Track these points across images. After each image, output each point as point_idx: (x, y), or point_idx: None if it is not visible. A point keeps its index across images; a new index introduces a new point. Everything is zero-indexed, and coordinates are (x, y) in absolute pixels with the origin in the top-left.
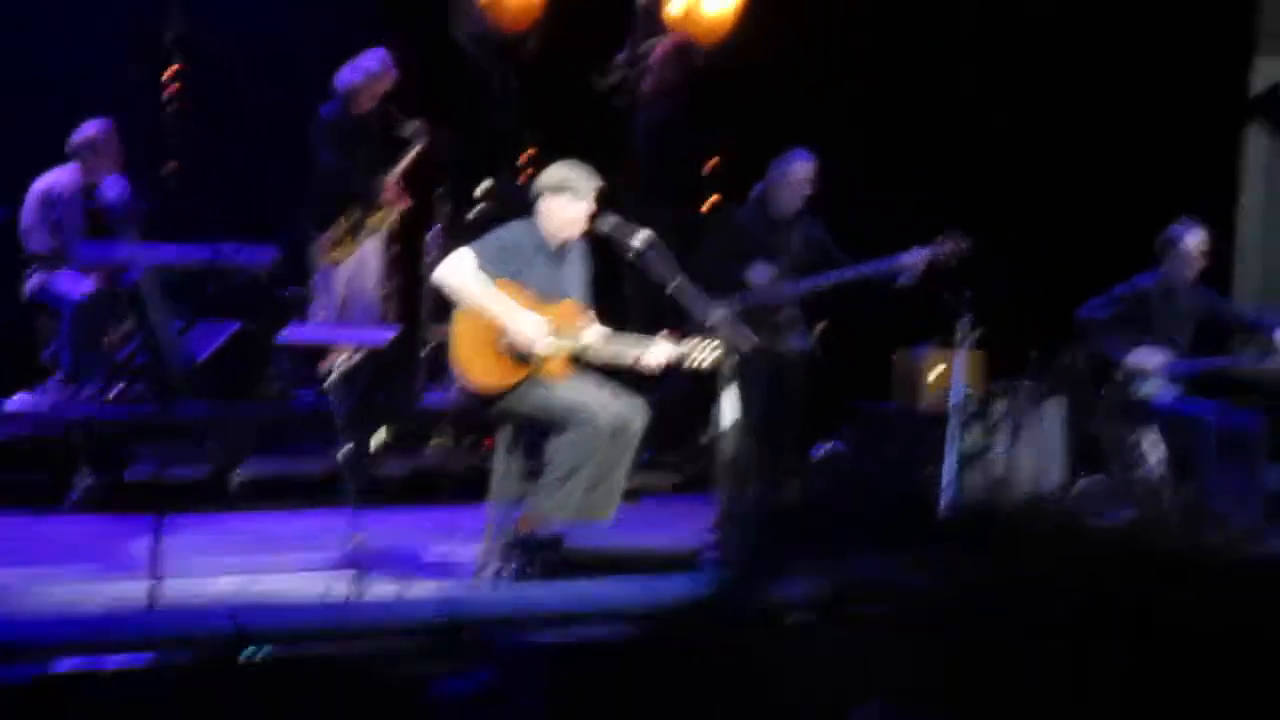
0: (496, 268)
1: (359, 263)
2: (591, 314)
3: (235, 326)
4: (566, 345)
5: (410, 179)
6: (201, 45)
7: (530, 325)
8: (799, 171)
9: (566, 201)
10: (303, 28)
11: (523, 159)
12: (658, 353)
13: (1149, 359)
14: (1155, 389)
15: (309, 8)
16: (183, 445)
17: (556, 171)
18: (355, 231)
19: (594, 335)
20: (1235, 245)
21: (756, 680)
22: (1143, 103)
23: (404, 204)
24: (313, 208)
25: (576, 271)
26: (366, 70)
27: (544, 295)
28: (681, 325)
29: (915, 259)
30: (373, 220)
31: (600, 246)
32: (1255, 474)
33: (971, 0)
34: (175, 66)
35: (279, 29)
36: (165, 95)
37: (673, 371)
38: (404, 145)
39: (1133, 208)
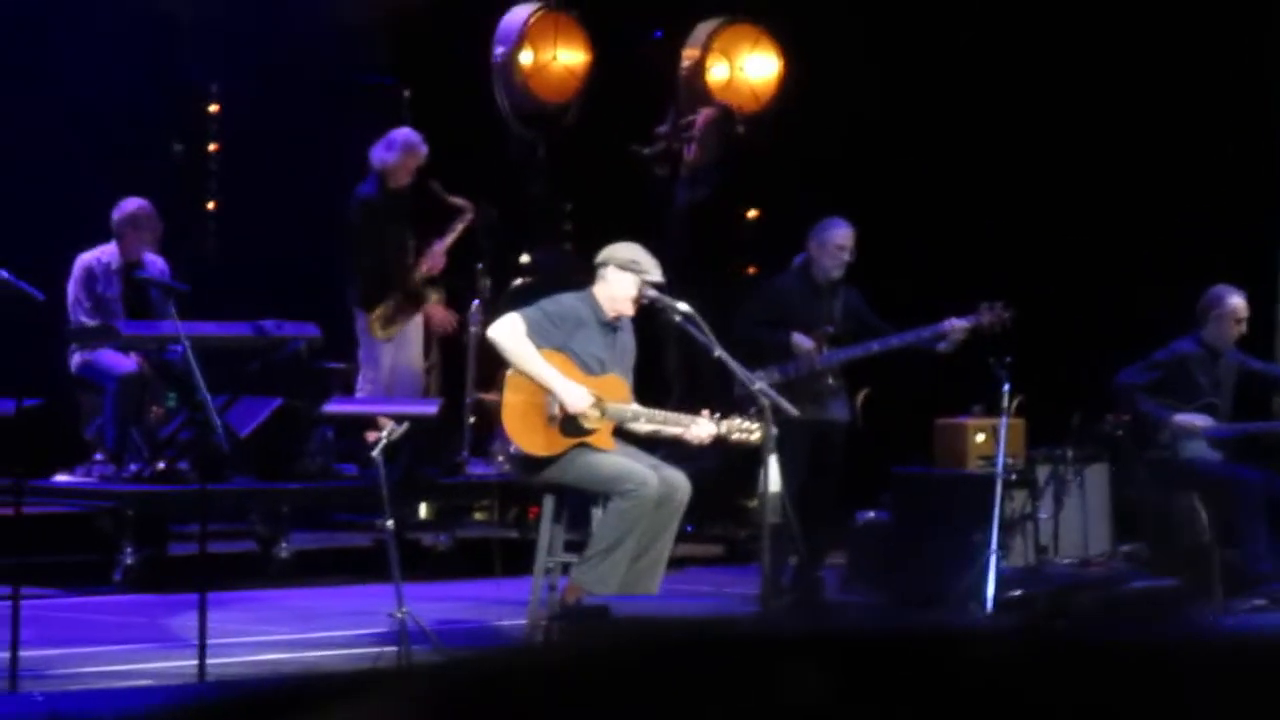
0: (545, 336)
1: (403, 336)
2: (633, 389)
3: (278, 402)
4: (613, 416)
5: (453, 253)
6: (241, 124)
7: (579, 394)
8: (837, 238)
9: (632, 280)
10: (338, 107)
11: (563, 231)
12: (701, 429)
13: (1192, 422)
14: (1199, 453)
15: (345, 88)
16: (227, 521)
17: (627, 249)
18: (404, 307)
19: (639, 409)
20: (1277, 307)
21: None
22: (1183, 166)
23: (439, 271)
24: (356, 285)
25: (625, 346)
26: (399, 147)
27: (590, 366)
28: (724, 395)
29: (957, 327)
30: (423, 295)
31: (640, 318)
32: None
33: (1013, 71)
34: (215, 146)
35: (316, 108)
36: (205, 173)
37: (714, 444)
38: (450, 219)
39: (1173, 272)
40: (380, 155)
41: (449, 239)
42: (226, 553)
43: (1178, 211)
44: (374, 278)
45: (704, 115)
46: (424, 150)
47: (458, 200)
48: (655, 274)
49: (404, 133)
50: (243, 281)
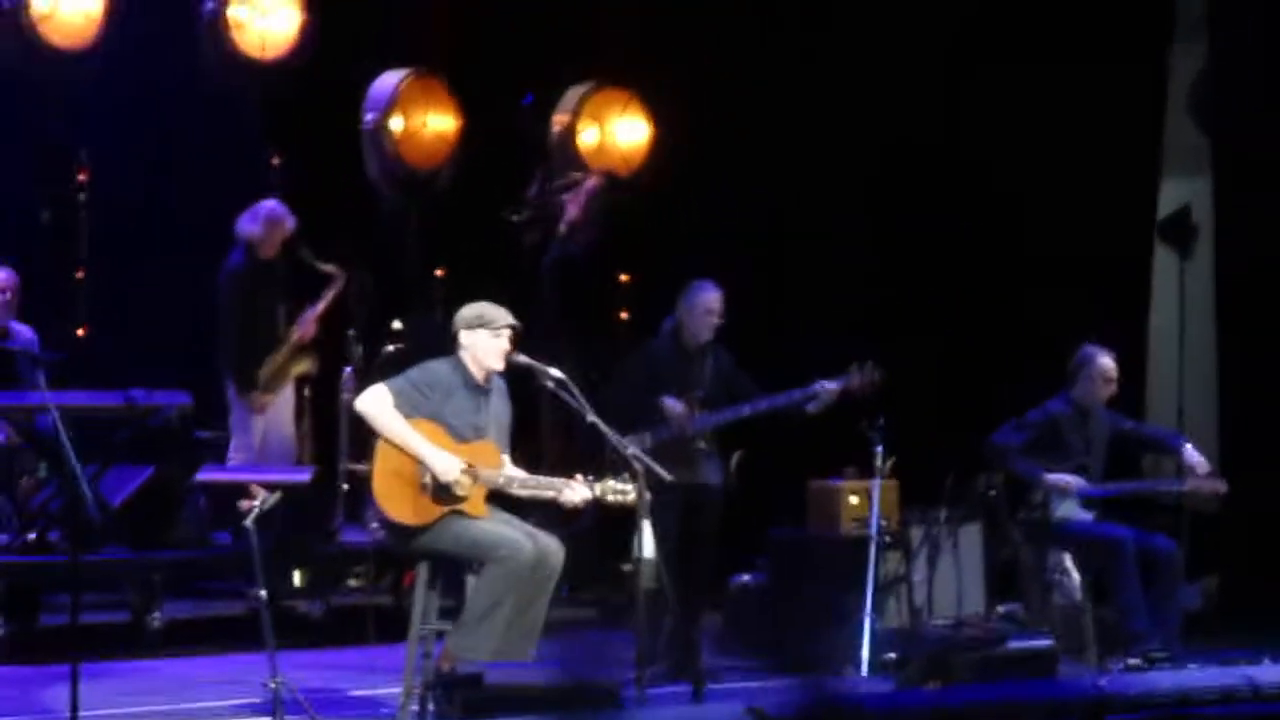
0: (414, 404)
1: (275, 404)
2: (507, 454)
3: (149, 471)
4: (485, 482)
5: (325, 320)
6: (110, 191)
7: (448, 463)
8: (706, 302)
9: (483, 337)
10: (205, 175)
11: (435, 297)
12: (575, 493)
13: (1064, 482)
14: (1071, 512)
15: (212, 159)
16: (99, 591)
17: (472, 308)
18: (280, 375)
19: (513, 473)
20: (1147, 368)
21: None
22: (1051, 226)
23: (311, 338)
24: (226, 354)
25: (498, 410)
26: (265, 217)
27: (462, 433)
28: (597, 459)
29: (827, 389)
30: (296, 363)
31: (514, 382)
32: (1172, 595)
33: (878, 138)
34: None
35: (186, 175)
36: (74, 240)
37: (589, 507)
38: (321, 286)
39: (1043, 332)
40: (246, 227)
41: (320, 306)
42: (99, 623)
43: (1048, 272)
44: (244, 346)
45: (591, 182)
46: (290, 222)
47: (328, 267)
48: (503, 319)
49: (269, 205)
50: (112, 350)
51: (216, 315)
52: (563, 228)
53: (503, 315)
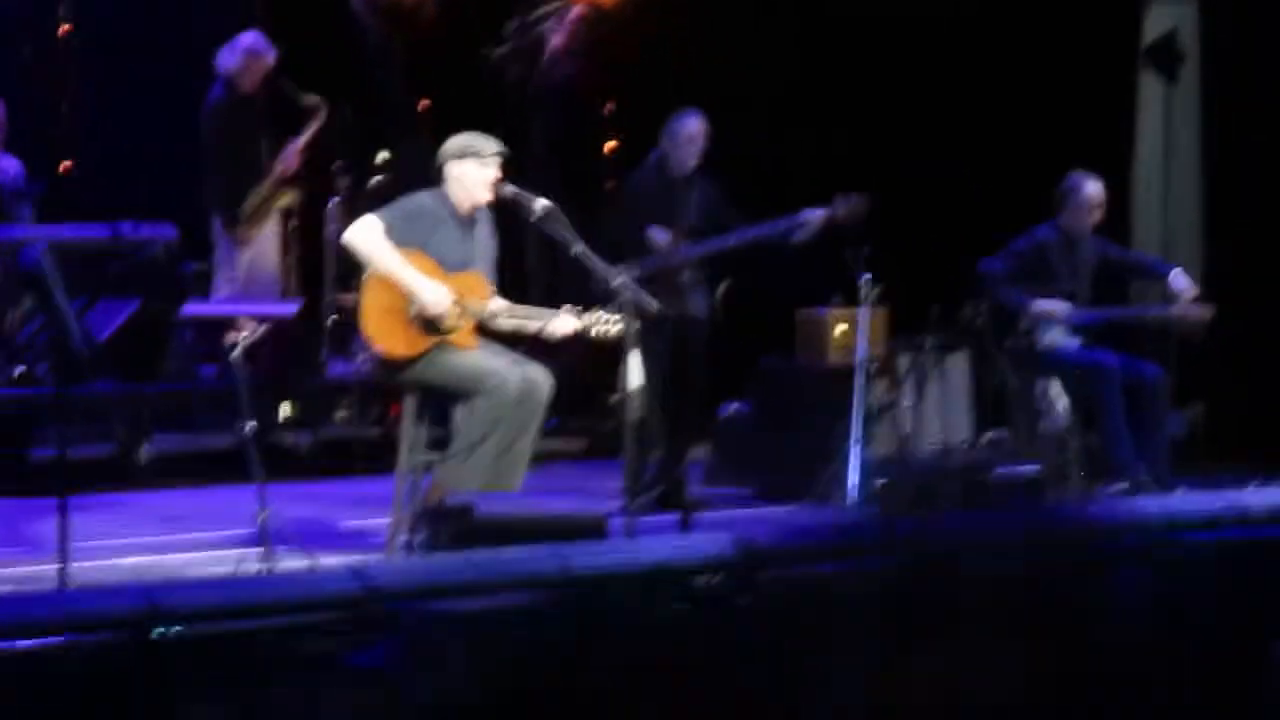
0: (402, 236)
1: (260, 237)
2: (494, 285)
3: (136, 305)
4: (473, 313)
5: (309, 152)
6: (92, 26)
7: (438, 293)
8: (688, 129)
9: (471, 167)
10: (187, 5)
11: (420, 128)
12: (562, 324)
13: (1051, 309)
14: (1058, 339)
15: None
16: (87, 425)
17: (459, 139)
18: (264, 209)
19: (500, 305)
20: (1132, 195)
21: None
22: (1037, 54)
23: (295, 171)
24: (211, 189)
25: (484, 243)
26: (245, 50)
27: (449, 265)
28: (584, 291)
29: (813, 218)
30: (280, 196)
31: (501, 215)
32: (1159, 422)
33: None
34: (66, 47)
35: (170, 7)
36: (55, 77)
37: (576, 339)
38: (303, 119)
39: (1030, 160)
40: (225, 61)
41: (303, 139)
42: (87, 457)
43: (1036, 92)
44: (228, 181)
45: (577, 9)
46: (270, 54)
47: (310, 99)
48: (490, 148)
49: (248, 37)
50: (98, 183)
51: (199, 150)
52: (546, 57)
53: (490, 144)
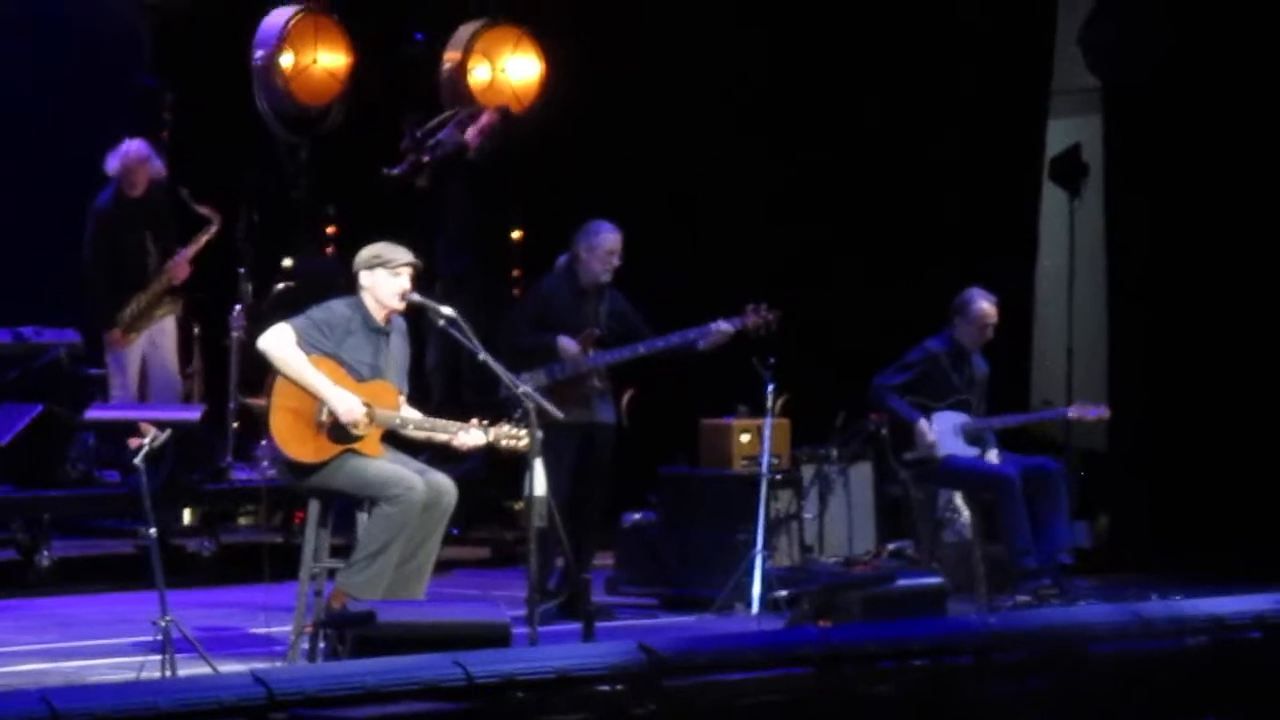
0: (312, 344)
1: (150, 343)
2: (404, 395)
3: (38, 409)
4: (382, 423)
5: (208, 257)
6: (2, 126)
7: (350, 402)
8: (608, 244)
9: (382, 277)
10: (93, 110)
11: (325, 235)
12: (471, 437)
13: (925, 435)
14: (956, 449)
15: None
16: None
17: (371, 248)
18: (145, 315)
19: (410, 414)
20: (1035, 306)
21: None
22: (942, 169)
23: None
24: (89, 292)
25: (397, 351)
26: (121, 156)
27: (359, 373)
28: (485, 396)
29: (723, 330)
30: (162, 305)
31: (406, 319)
32: (1059, 511)
33: (772, 72)
34: None
35: (80, 110)
36: None
37: (481, 451)
38: (196, 227)
39: (935, 271)
40: (111, 164)
41: (191, 249)
42: None
43: (939, 210)
44: (108, 286)
45: (487, 117)
46: (154, 160)
47: (204, 209)
48: (402, 258)
49: (132, 144)
50: (1, 287)
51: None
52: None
53: (401, 254)
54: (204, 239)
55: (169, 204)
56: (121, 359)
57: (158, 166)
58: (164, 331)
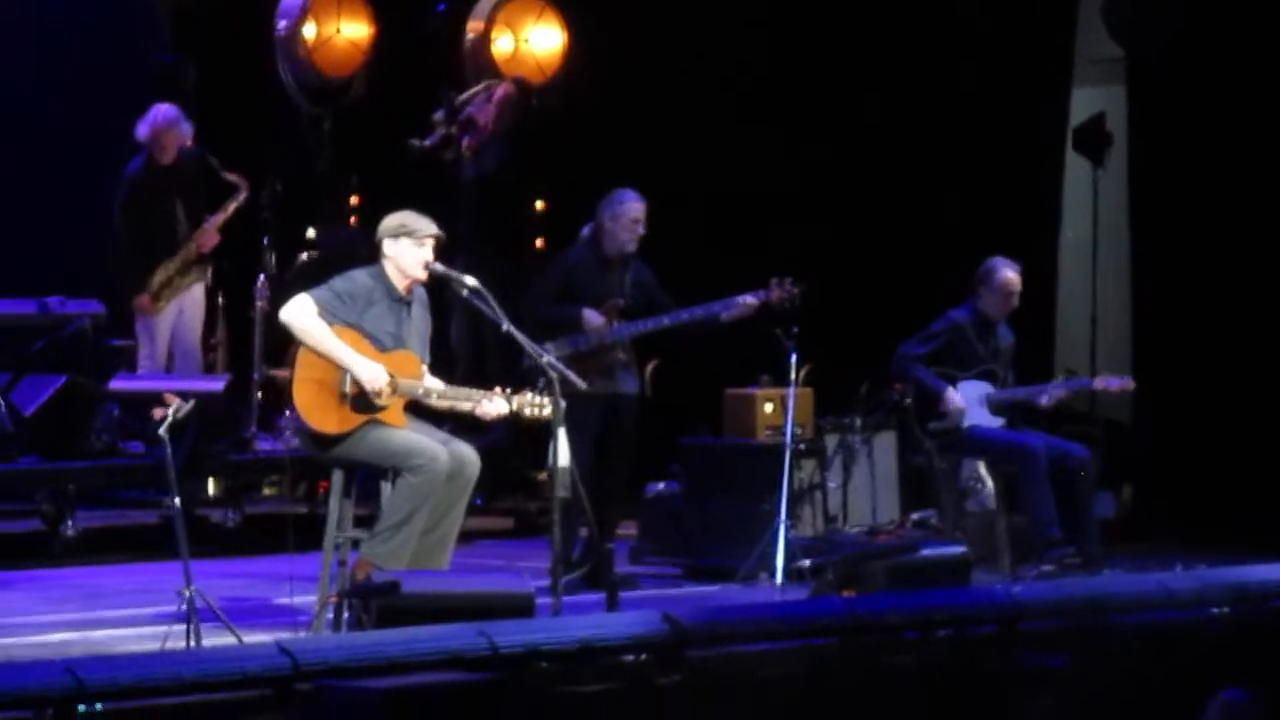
0: (334, 314)
1: (178, 312)
2: (426, 365)
3: (62, 380)
4: (405, 392)
5: (233, 228)
6: (25, 101)
7: (374, 371)
8: (632, 212)
9: (406, 246)
10: (116, 82)
11: (348, 206)
12: (494, 406)
13: (956, 403)
14: (981, 420)
15: (123, 66)
16: (12, 500)
17: (395, 217)
18: (174, 282)
19: (432, 384)
20: (1059, 278)
21: None
22: (966, 136)
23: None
24: (123, 260)
25: (419, 321)
26: (158, 121)
27: (382, 342)
28: (511, 367)
29: (747, 303)
30: (191, 272)
31: (431, 290)
32: (1087, 503)
33: (796, 44)
34: None
35: (102, 84)
36: None
37: (506, 419)
38: (225, 196)
39: (958, 242)
40: (140, 131)
41: (220, 217)
42: (12, 532)
43: (964, 175)
44: (138, 253)
45: (501, 90)
46: (184, 125)
47: (232, 176)
48: (428, 229)
49: (162, 109)
50: (26, 258)
51: (115, 222)
52: (467, 143)
53: (426, 224)
54: (232, 206)
55: (199, 171)
56: (151, 327)
57: (186, 130)
58: (193, 300)
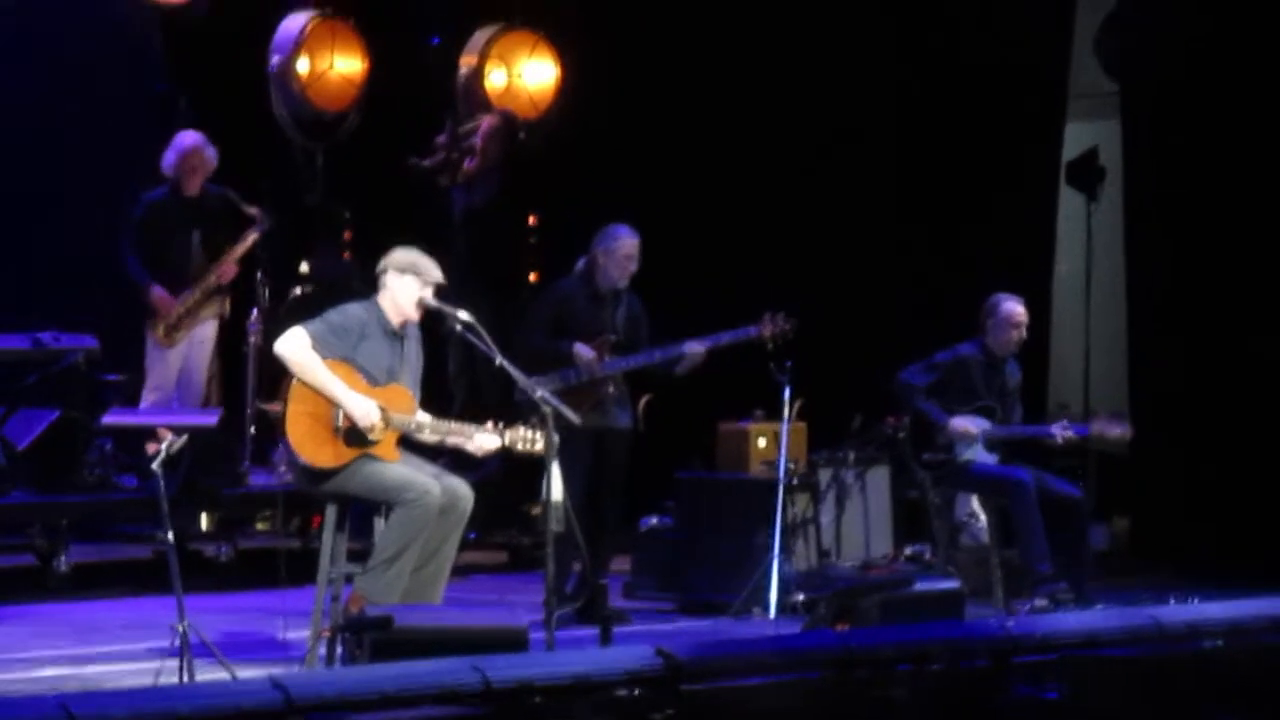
0: (328, 348)
1: (192, 344)
2: (419, 399)
3: (56, 414)
4: (397, 427)
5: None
6: (17, 133)
7: (366, 406)
8: (626, 248)
9: (410, 284)
10: (110, 115)
11: (342, 239)
12: (486, 440)
13: (968, 428)
14: (975, 454)
15: (122, 96)
16: (4, 535)
17: (408, 253)
18: (192, 313)
19: (424, 418)
20: (1053, 312)
21: None
22: (960, 173)
23: (230, 280)
24: (132, 288)
25: (412, 357)
26: (188, 149)
27: (374, 377)
28: (506, 401)
29: (695, 351)
30: (211, 302)
31: (425, 324)
32: (1081, 541)
33: (788, 79)
34: None
35: (94, 116)
36: None
37: (499, 453)
38: (243, 227)
39: (951, 276)
40: (167, 161)
41: (240, 248)
42: (5, 566)
43: (956, 214)
44: (148, 282)
45: (486, 122)
46: (210, 151)
47: (251, 209)
48: (434, 274)
49: (189, 136)
50: (19, 292)
51: (128, 250)
52: (462, 176)
53: (434, 269)
54: (251, 238)
55: (221, 206)
56: (164, 357)
57: (211, 156)
58: (204, 334)
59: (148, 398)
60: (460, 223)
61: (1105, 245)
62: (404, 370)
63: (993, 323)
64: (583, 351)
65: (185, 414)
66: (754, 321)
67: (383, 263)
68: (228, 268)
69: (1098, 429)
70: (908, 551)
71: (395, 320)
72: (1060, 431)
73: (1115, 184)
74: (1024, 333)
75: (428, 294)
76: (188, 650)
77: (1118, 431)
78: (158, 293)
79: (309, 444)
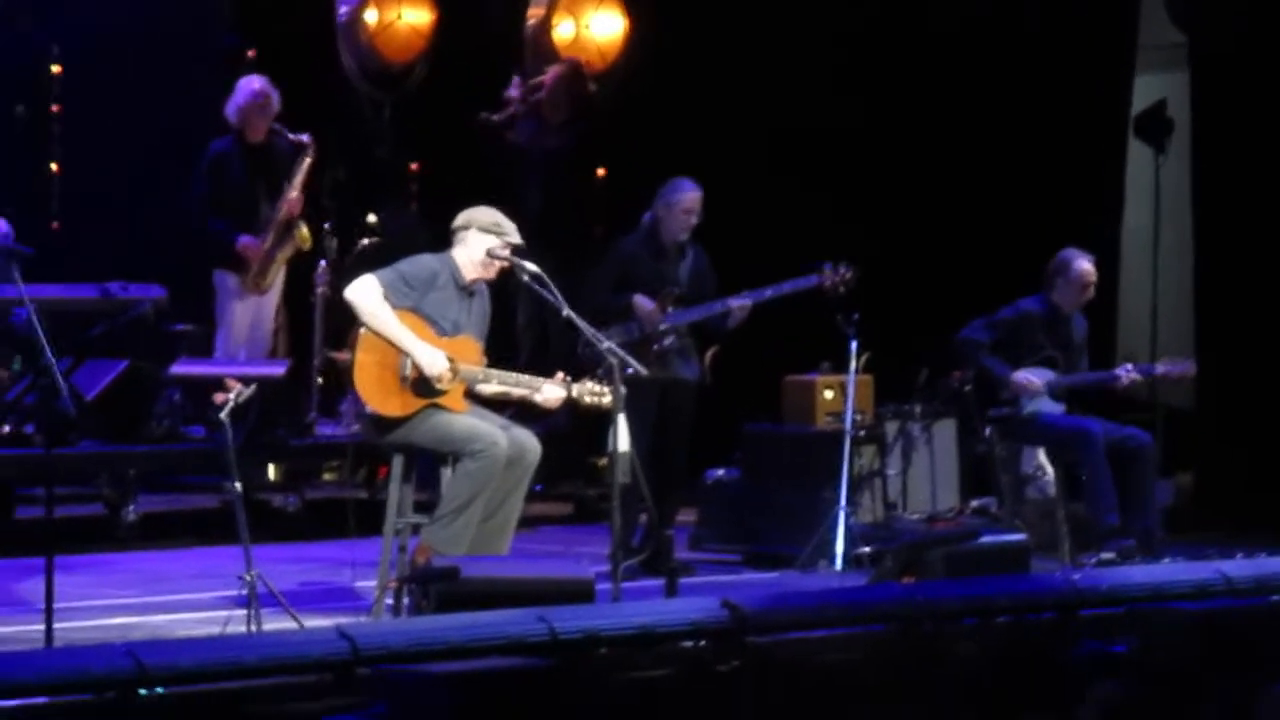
0: (397, 298)
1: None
2: (485, 352)
3: (124, 365)
4: (465, 378)
5: (305, 191)
6: (84, 85)
7: (435, 356)
8: (685, 202)
9: (492, 243)
10: (178, 67)
11: (409, 191)
12: (552, 392)
13: (1030, 380)
14: (1042, 406)
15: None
16: (74, 485)
17: (488, 213)
18: (270, 258)
19: (491, 371)
20: (1121, 264)
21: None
22: (1026, 123)
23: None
24: (217, 243)
25: (480, 311)
26: (252, 95)
27: (443, 328)
28: (573, 353)
29: (743, 306)
30: (288, 241)
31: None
32: (1148, 489)
33: (857, 29)
34: (58, 107)
35: (160, 68)
36: (49, 135)
37: (564, 407)
38: (294, 159)
39: (1017, 228)
40: (230, 109)
41: (297, 179)
42: (73, 516)
43: (1025, 163)
44: (222, 229)
45: (553, 72)
46: (274, 96)
47: (298, 137)
48: (515, 237)
49: (250, 83)
50: (88, 244)
51: (198, 203)
52: (539, 123)
53: (515, 231)
54: (306, 164)
55: (285, 152)
56: (234, 308)
57: (275, 99)
58: (273, 285)
59: (221, 347)
60: (529, 175)
61: (1173, 199)
62: (472, 324)
63: (1062, 280)
64: (643, 304)
65: (253, 364)
66: (815, 271)
67: (464, 218)
68: (293, 203)
69: (1163, 368)
70: (974, 505)
71: (469, 276)
72: (1125, 374)
73: (1183, 137)
74: (1092, 291)
75: (504, 256)
76: (255, 600)
77: (1181, 369)
78: (244, 241)
79: (377, 393)
